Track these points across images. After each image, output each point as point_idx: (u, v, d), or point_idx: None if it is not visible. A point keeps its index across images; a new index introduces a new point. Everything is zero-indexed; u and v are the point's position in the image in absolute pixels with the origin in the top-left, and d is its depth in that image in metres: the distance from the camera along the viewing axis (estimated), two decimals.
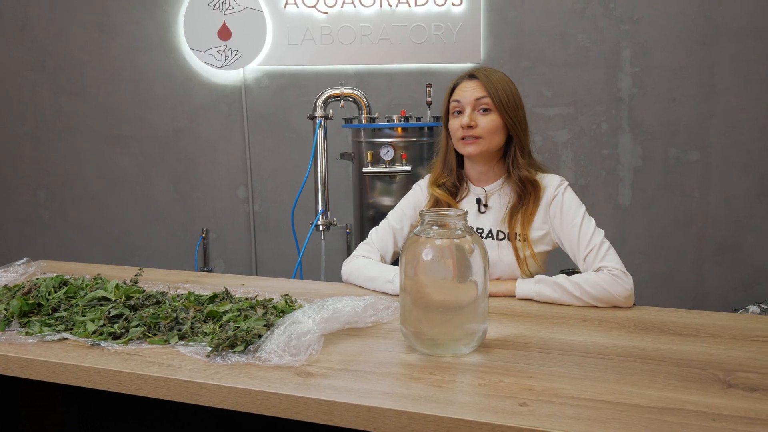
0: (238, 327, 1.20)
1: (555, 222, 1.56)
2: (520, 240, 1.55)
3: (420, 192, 1.73)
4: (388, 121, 2.48)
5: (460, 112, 1.58)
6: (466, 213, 1.16)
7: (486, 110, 1.56)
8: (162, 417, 1.44)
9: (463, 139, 1.57)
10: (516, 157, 1.59)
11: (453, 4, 3.41)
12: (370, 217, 2.55)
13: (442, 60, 3.45)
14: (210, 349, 1.15)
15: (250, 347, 1.14)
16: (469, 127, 1.54)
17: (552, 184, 1.58)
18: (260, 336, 1.16)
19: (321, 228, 2.40)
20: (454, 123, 1.59)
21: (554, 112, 3.46)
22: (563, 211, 1.54)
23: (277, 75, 3.57)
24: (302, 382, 1.03)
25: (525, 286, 1.48)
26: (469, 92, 1.56)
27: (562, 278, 1.44)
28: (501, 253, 1.56)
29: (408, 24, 3.45)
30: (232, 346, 1.15)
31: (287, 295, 1.45)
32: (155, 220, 3.78)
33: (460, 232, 1.14)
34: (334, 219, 2.44)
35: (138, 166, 3.75)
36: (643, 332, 1.24)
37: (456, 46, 3.44)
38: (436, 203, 1.66)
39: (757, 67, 3.26)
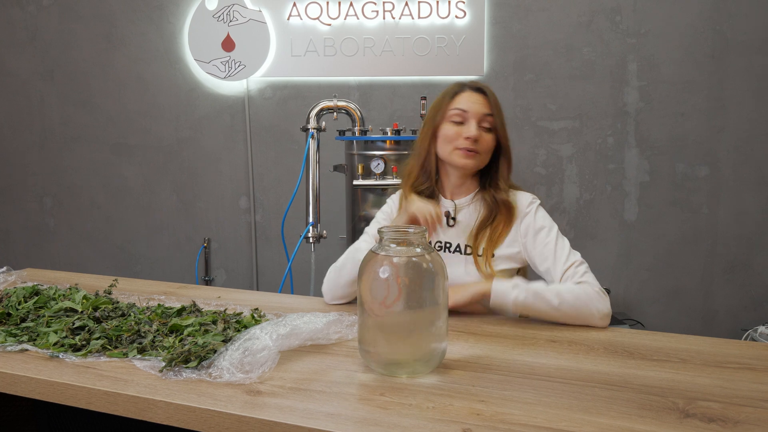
0: (195, 342, 1.18)
1: (528, 241, 1.51)
2: (482, 257, 1.51)
3: (393, 205, 1.69)
4: (382, 133, 2.47)
5: (460, 122, 1.53)
6: (425, 230, 1.13)
7: (487, 129, 1.53)
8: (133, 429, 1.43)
9: (461, 149, 1.52)
10: (497, 181, 1.56)
11: (456, 17, 3.40)
12: (362, 229, 2.51)
13: (445, 72, 3.43)
14: (164, 363, 1.13)
15: (204, 363, 1.12)
16: (475, 140, 1.51)
17: (523, 202, 1.55)
18: (215, 351, 1.14)
19: (311, 240, 2.38)
20: (453, 129, 1.52)
21: (559, 125, 3.41)
22: (536, 230, 1.51)
23: (280, 86, 3.58)
24: (249, 400, 1.01)
25: (501, 288, 1.38)
26: (478, 105, 1.52)
27: (542, 286, 1.39)
28: (468, 269, 1.52)
29: (411, 36, 3.44)
30: (186, 361, 1.13)
31: (256, 309, 1.43)
32: (159, 229, 3.80)
33: (419, 249, 1.12)
34: (324, 231, 2.42)
35: (142, 175, 3.77)
36: (611, 356, 1.19)
37: (459, 58, 3.42)
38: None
39: None
